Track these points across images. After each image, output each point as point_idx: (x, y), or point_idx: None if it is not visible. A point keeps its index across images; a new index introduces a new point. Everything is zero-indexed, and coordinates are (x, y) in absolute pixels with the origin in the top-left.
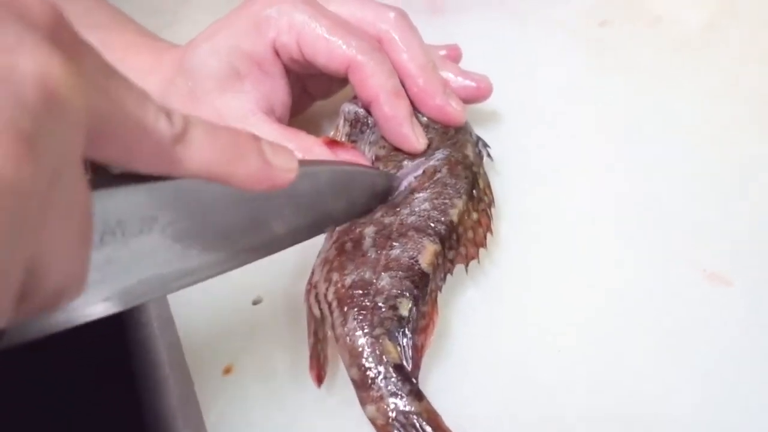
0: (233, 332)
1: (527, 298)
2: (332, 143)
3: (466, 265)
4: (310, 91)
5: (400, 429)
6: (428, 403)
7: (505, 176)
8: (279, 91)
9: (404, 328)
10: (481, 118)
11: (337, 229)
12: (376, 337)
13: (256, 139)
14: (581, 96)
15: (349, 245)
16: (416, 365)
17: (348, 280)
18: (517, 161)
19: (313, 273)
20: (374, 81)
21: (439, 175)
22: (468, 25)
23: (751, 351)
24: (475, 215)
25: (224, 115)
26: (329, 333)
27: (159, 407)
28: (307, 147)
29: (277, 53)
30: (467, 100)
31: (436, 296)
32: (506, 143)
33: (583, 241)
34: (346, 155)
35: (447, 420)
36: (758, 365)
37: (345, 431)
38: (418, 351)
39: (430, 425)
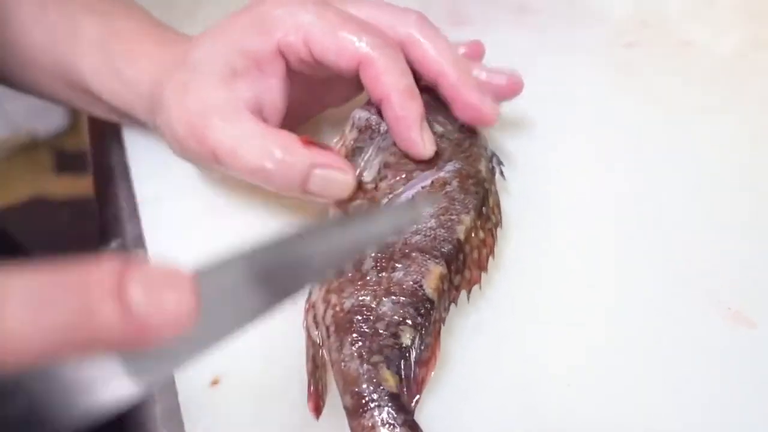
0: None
1: (530, 323)
2: (309, 143)
3: (469, 291)
4: (320, 96)
5: None
6: None
7: (515, 196)
8: (273, 94)
9: (405, 358)
10: (496, 133)
11: None
12: (374, 365)
13: (117, 282)
14: (603, 115)
15: (348, 266)
16: (414, 397)
17: (347, 304)
18: (528, 182)
19: (311, 292)
20: (386, 78)
21: (448, 188)
22: (490, 37)
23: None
24: (481, 234)
25: (206, 110)
26: (326, 358)
27: (142, 420)
28: (287, 145)
29: (281, 54)
30: (498, 98)
31: (440, 328)
32: (520, 162)
33: (592, 269)
34: (321, 157)
35: None
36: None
37: None
38: (418, 384)
39: None
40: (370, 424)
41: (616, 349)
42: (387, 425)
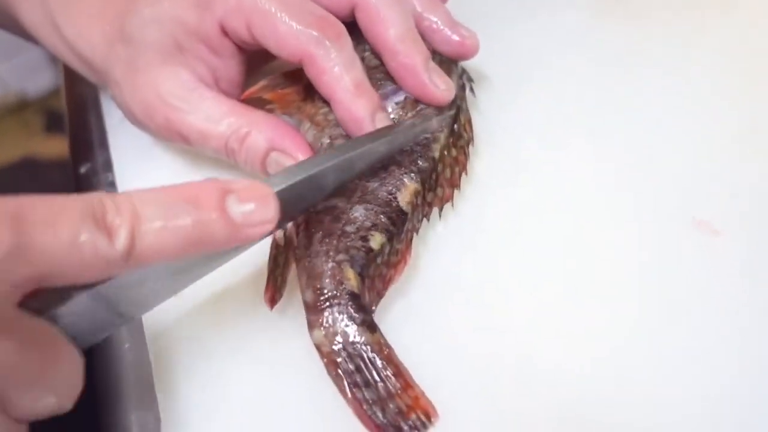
0: None
1: (499, 237)
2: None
3: (440, 209)
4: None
5: (346, 359)
6: (381, 335)
7: (486, 116)
8: (229, 70)
9: (372, 261)
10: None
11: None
12: (338, 263)
13: (219, 198)
14: (578, 54)
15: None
16: (378, 296)
17: (320, 206)
18: (499, 102)
19: None
20: (329, 78)
21: (421, 105)
22: None
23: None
24: (454, 152)
25: (162, 93)
26: (290, 256)
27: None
28: (254, 121)
29: (225, 34)
30: (450, 57)
31: (411, 236)
32: (491, 89)
33: (565, 186)
34: (279, 140)
35: (402, 355)
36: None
37: (292, 359)
38: (384, 283)
39: (380, 358)
40: (329, 320)
41: (584, 261)
42: (344, 322)
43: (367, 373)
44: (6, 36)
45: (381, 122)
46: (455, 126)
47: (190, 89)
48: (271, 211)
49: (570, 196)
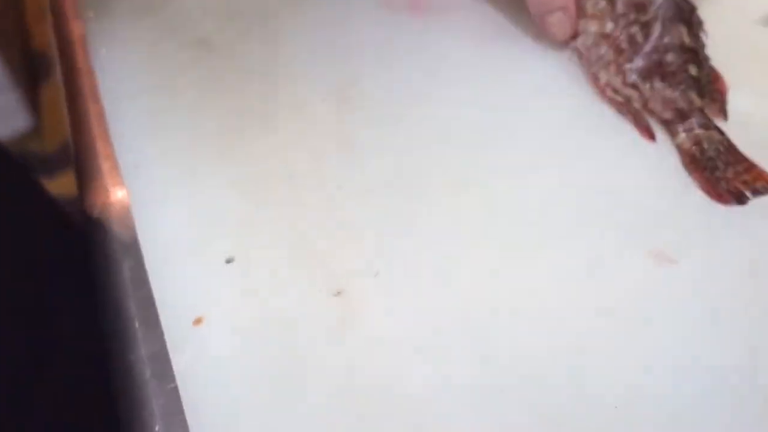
0: (204, 288)
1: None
2: None
3: None
4: None
5: (706, 148)
6: (728, 138)
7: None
8: None
9: (699, 82)
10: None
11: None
12: (682, 90)
13: None
14: (555, 99)
15: (624, 44)
16: (720, 107)
17: (640, 63)
18: (479, 157)
19: (598, 78)
20: None
21: None
22: (450, 25)
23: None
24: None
25: None
26: (637, 105)
27: (129, 361)
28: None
29: None
30: None
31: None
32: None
33: (519, 211)
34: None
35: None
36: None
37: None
38: (721, 94)
39: (730, 153)
40: (689, 127)
41: (535, 289)
42: (701, 126)
43: (717, 161)
44: None
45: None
46: None
47: None
48: None
49: (530, 231)
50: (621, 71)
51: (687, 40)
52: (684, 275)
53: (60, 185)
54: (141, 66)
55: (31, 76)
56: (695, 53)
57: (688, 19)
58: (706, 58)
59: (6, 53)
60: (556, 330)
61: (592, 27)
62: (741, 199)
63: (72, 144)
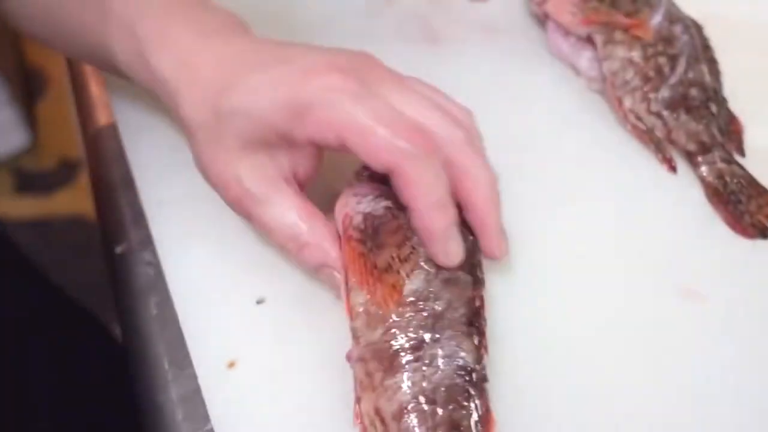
0: (237, 330)
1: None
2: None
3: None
4: None
5: (729, 182)
6: (749, 173)
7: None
8: (307, 164)
9: (718, 122)
10: None
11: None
12: (706, 125)
13: None
14: (573, 130)
15: (652, 73)
16: (739, 146)
17: (666, 93)
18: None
19: (622, 102)
20: (415, 191)
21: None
22: (465, 57)
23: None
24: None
25: (242, 178)
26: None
27: (159, 402)
28: (317, 233)
29: (314, 143)
30: None
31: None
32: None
33: (554, 257)
34: (333, 260)
35: None
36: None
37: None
38: (738, 134)
39: (752, 186)
40: (712, 160)
41: (573, 330)
42: (723, 161)
43: (740, 195)
44: None
45: (453, 238)
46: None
47: (268, 183)
48: None
49: (558, 266)
50: (646, 99)
51: (708, 79)
52: (713, 312)
53: (58, 203)
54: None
55: (27, 92)
56: (715, 93)
57: (709, 58)
58: (724, 100)
59: (2, 69)
60: (586, 368)
61: (620, 52)
62: (765, 233)
63: (89, 175)
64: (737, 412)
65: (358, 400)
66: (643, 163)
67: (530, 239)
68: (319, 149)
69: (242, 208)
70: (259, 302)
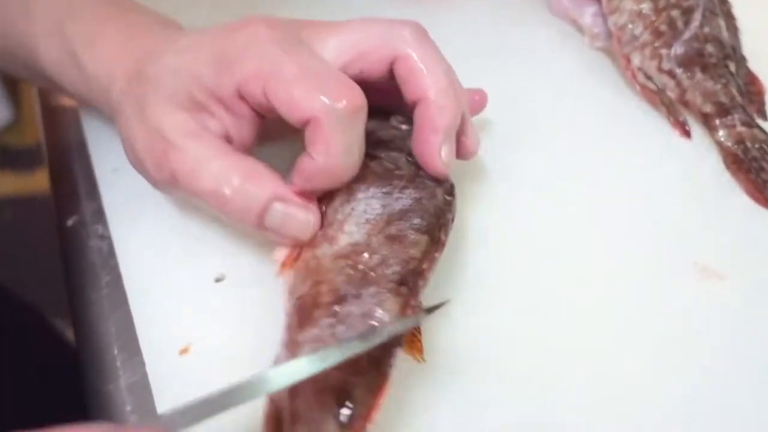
0: (192, 311)
1: (498, 290)
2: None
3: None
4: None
5: (750, 147)
6: None
7: (481, 164)
8: (241, 131)
9: (738, 82)
10: None
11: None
12: (724, 84)
13: None
14: (575, 93)
15: (664, 27)
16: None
17: (679, 50)
18: (495, 150)
19: (630, 60)
20: (325, 148)
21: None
22: (457, 14)
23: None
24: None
25: (165, 127)
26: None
27: (107, 392)
28: (249, 172)
29: (242, 97)
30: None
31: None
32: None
33: (565, 234)
34: (285, 190)
35: None
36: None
37: None
38: (759, 95)
39: None
40: (731, 123)
41: (586, 310)
42: (743, 124)
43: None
44: None
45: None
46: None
47: (192, 130)
48: None
49: (569, 243)
50: (657, 55)
51: (725, 34)
52: (732, 291)
53: (39, 180)
54: None
55: None
56: (733, 50)
57: (727, 13)
58: (743, 58)
59: None
60: (595, 352)
61: (628, 4)
62: None
63: (45, 146)
64: (759, 398)
65: (276, 358)
66: (652, 128)
67: (526, 213)
68: (255, 116)
69: (165, 162)
70: (218, 280)
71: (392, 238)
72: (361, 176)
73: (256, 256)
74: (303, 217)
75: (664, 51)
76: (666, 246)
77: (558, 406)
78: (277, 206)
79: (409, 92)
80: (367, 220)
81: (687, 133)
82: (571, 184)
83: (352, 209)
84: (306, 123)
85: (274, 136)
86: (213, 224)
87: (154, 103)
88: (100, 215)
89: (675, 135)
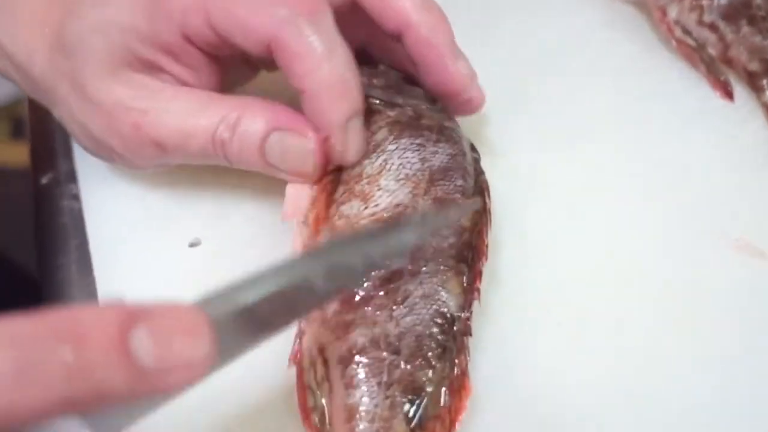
0: (164, 278)
1: (517, 258)
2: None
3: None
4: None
5: None
6: None
7: (498, 126)
8: (201, 82)
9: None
10: None
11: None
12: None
13: (118, 332)
14: (600, 49)
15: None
16: None
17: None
18: (512, 111)
19: (666, 12)
20: (301, 66)
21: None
22: None
23: None
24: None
25: (123, 98)
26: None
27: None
28: (244, 105)
29: (188, 40)
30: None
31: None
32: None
33: (590, 203)
34: (282, 117)
35: None
36: None
37: None
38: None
39: None
40: None
41: (625, 294)
42: None
43: None
44: None
45: (354, 132)
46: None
47: (158, 87)
48: (200, 348)
49: (595, 212)
50: (697, 7)
51: None
52: None
53: None
54: None
55: None
56: None
57: None
58: None
59: None
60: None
61: None
62: None
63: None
64: None
65: (300, 334)
66: (689, 88)
67: (547, 180)
68: (210, 62)
69: (142, 133)
70: (192, 245)
71: (440, 202)
72: (384, 125)
73: (234, 220)
74: (298, 143)
75: (705, 1)
76: (703, 222)
77: (590, 401)
78: (274, 136)
79: (389, 22)
80: (407, 176)
81: (729, 95)
82: (596, 146)
83: (385, 161)
84: (268, 47)
85: (240, 80)
86: (189, 186)
87: (92, 74)
88: (74, 174)
89: (715, 97)
